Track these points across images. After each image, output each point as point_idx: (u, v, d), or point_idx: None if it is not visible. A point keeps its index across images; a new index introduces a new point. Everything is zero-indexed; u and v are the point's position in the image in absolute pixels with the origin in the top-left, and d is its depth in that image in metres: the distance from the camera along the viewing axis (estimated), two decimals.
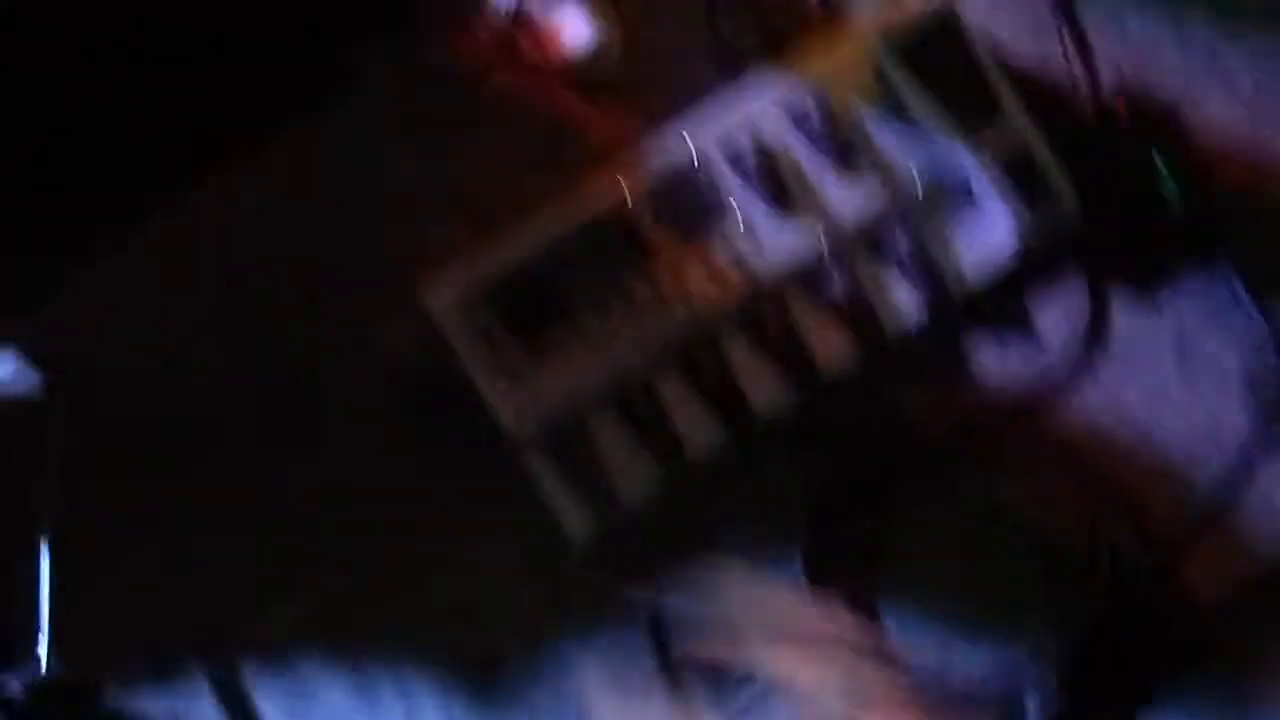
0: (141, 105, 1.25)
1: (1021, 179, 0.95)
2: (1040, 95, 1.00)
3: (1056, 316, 0.97)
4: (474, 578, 0.97)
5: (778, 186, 0.98)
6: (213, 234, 1.11)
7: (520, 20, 1.12)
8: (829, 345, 0.96)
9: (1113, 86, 1.01)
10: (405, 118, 1.13)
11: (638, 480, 0.94)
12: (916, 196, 0.98)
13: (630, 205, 0.99)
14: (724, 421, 0.95)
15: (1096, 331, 0.96)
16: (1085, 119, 1.01)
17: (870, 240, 0.98)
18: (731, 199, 0.99)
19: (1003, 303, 0.99)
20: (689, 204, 0.99)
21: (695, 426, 0.95)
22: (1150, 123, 0.99)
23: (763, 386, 0.96)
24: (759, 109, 1.00)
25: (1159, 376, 0.94)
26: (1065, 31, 1.06)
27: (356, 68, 1.21)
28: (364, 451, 1.03)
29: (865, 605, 0.90)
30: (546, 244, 0.98)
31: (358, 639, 0.99)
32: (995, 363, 0.98)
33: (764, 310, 0.96)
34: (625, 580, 0.95)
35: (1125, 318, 0.97)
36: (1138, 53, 1.04)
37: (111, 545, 1.01)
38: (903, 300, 0.97)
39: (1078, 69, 1.03)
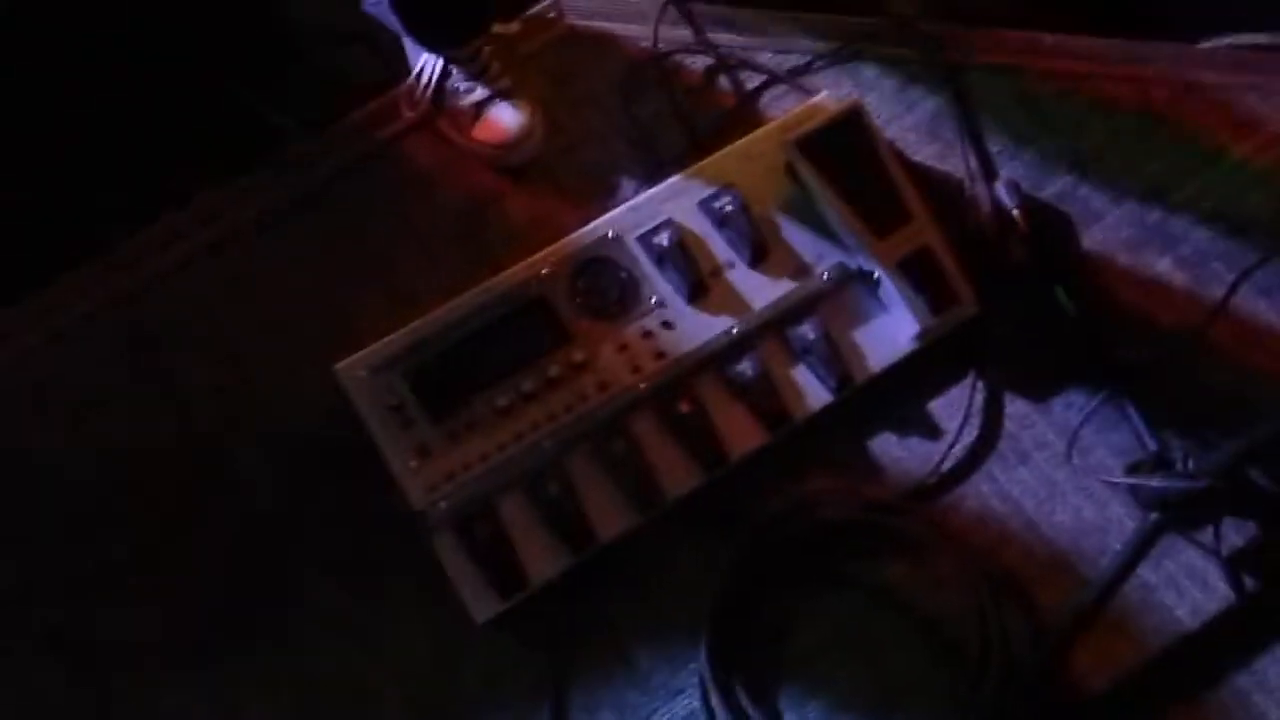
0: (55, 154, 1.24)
1: (923, 278, 1.00)
2: (944, 200, 1.05)
3: (952, 410, 1.01)
4: (371, 649, 0.96)
5: (693, 276, 1.01)
6: (119, 293, 1.09)
7: (443, 98, 1.14)
8: (738, 428, 0.98)
9: (1011, 200, 1.06)
10: (325, 186, 1.14)
11: (546, 562, 0.94)
12: (825, 289, 1.02)
13: (550, 288, 1.00)
14: (635, 503, 0.96)
15: (990, 428, 1.01)
16: (986, 226, 1.06)
17: (780, 328, 1.01)
18: (649, 287, 1.01)
19: (904, 393, 1.02)
20: (608, 289, 1.01)
21: (605, 508, 0.96)
22: (1047, 235, 1.05)
23: (673, 468, 0.97)
24: (679, 205, 1.03)
25: (1048, 472, 0.99)
26: (968, 145, 1.12)
27: (276, 132, 1.21)
28: (267, 520, 1.01)
29: (765, 696, 0.92)
30: (464, 322, 0.99)
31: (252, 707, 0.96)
32: (893, 450, 1.01)
33: (676, 394, 0.98)
34: (527, 657, 0.95)
35: (1017, 416, 1.01)
36: (1035, 173, 1.10)
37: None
38: (809, 386, 1.00)
39: (979, 184, 1.09)
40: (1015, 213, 1.07)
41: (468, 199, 1.12)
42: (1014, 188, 1.08)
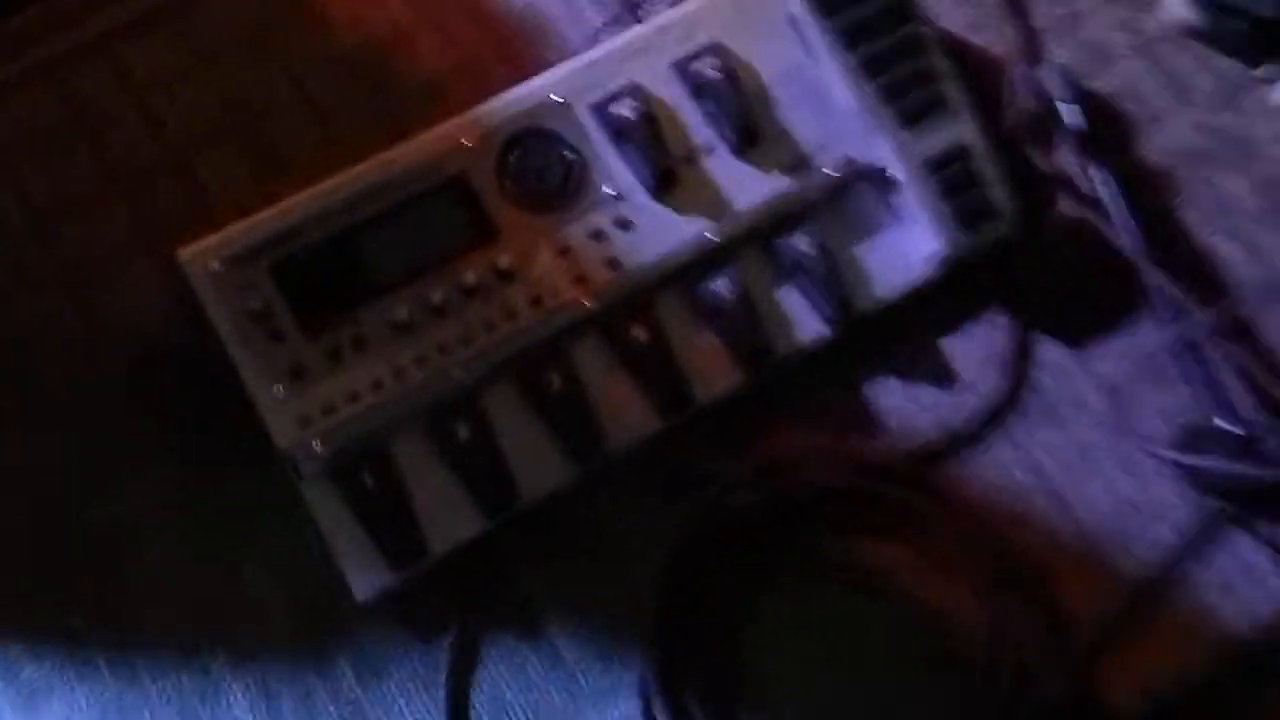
0: None
1: (956, 186, 0.78)
2: (985, 95, 0.82)
3: (971, 355, 0.81)
4: (213, 629, 0.74)
5: (660, 162, 0.77)
6: None
7: None
8: (706, 362, 0.77)
9: (1060, 91, 0.84)
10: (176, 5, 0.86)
11: (452, 525, 0.73)
12: (828, 189, 0.79)
13: (472, 165, 0.76)
14: (569, 455, 0.74)
15: (1017, 378, 0.81)
16: (1025, 123, 0.84)
17: (766, 238, 0.78)
18: (602, 172, 0.78)
19: (912, 330, 0.82)
20: (548, 173, 0.77)
21: (532, 460, 0.74)
22: (1100, 138, 0.83)
23: (622, 411, 0.75)
24: (647, 64, 0.79)
25: (1083, 437, 0.80)
26: (1009, 13, 0.89)
27: None
28: (88, 448, 0.78)
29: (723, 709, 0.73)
30: (354, 204, 0.75)
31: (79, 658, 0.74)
32: (895, 401, 0.81)
33: (631, 315, 0.76)
34: (421, 647, 0.75)
35: (1051, 366, 0.81)
36: (1089, 58, 0.88)
37: None
38: (798, 314, 0.78)
39: (1020, 68, 0.86)
40: (1062, 108, 0.85)
41: (365, 37, 0.86)
42: (1064, 76, 0.86)
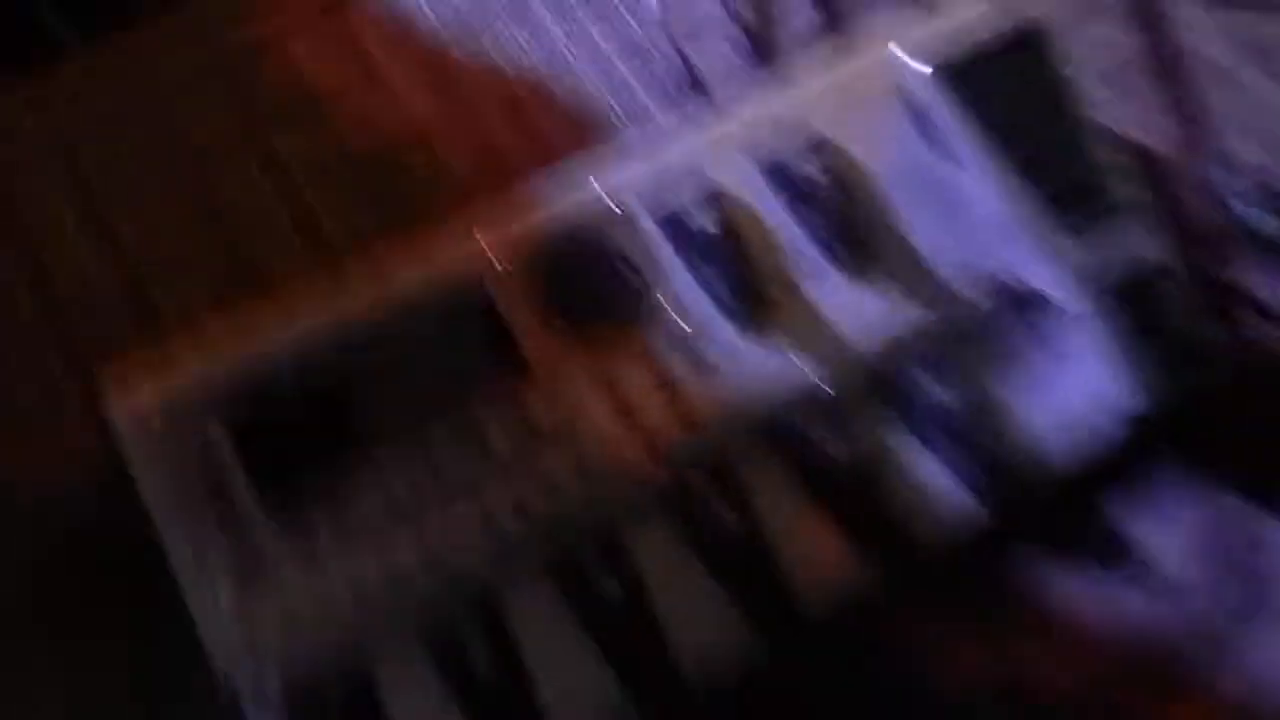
0: None
1: (1143, 316, 0.58)
2: (1165, 196, 0.64)
3: (1175, 534, 0.60)
4: None
5: (739, 277, 0.58)
6: None
7: None
8: (814, 554, 0.56)
9: (1255, 199, 0.65)
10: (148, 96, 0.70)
11: None
12: (971, 321, 0.60)
13: (502, 288, 0.57)
14: (623, 681, 0.53)
15: (1244, 566, 0.59)
16: (1215, 240, 0.65)
17: (892, 385, 0.58)
18: (671, 299, 0.58)
19: (1088, 503, 0.61)
20: (601, 298, 0.58)
21: (572, 689, 0.53)
22: None
23: (695, 624, 0.54)
24: (731, 165, 0.61)
25: None
26: (1185, 122, 0.71)
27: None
28: None
29: None
30: (342, 337, 0.56)
31: None
32: (1073, 597, 0.59)
33: (713, 491, 0.55)
34: None
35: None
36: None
37: None
38: (937, 484, 0.58)
39: (1205, 172, 0.68)
40: (1248, 213, 0.66)
41: (377, 136, 0.69)
42: (1254, 176, 0.67)
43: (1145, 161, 0.67)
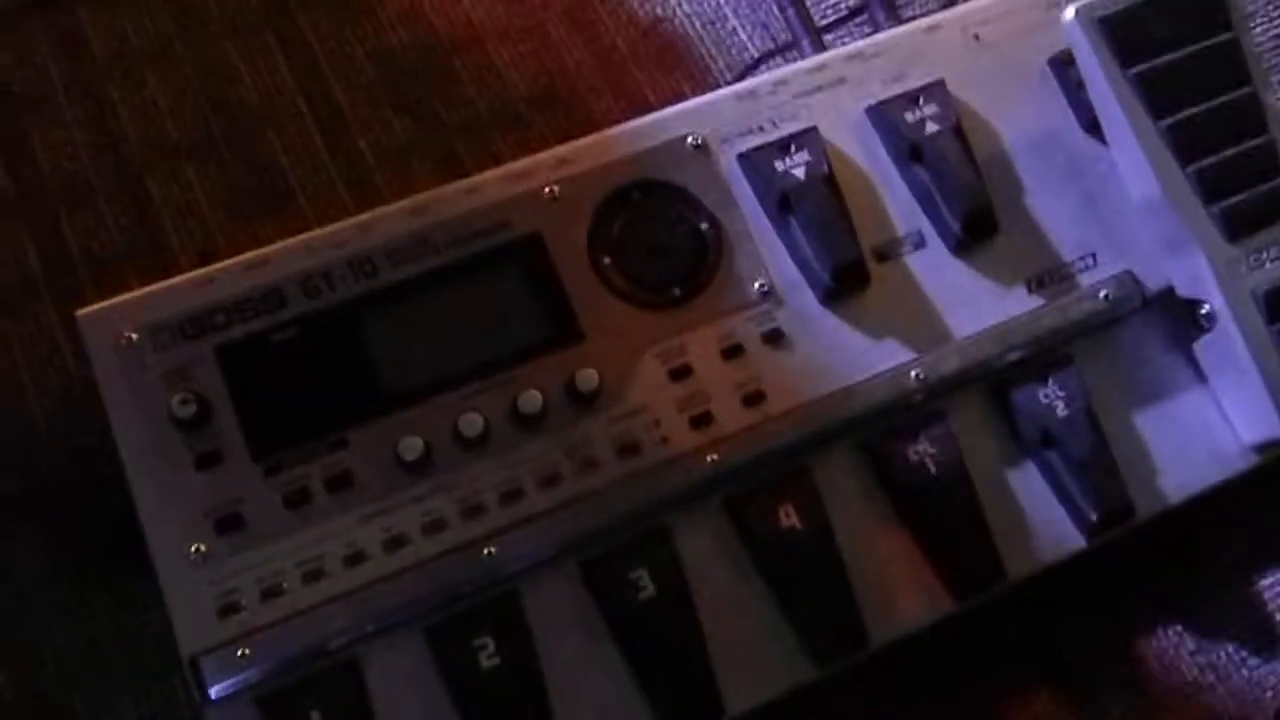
0: None
1: None
2: None
3: None
4: None
5: (842, 250, 0.49)
6: None
7: None
8: (892, 576, 0.47)
9: None
10: None
11: None
12: (1098, 320, 0.51)
13: (553, 226, 0.49)
14: (651, 697, 0.45)
15: None
16: None
17: (997, 385, 0.50)
18: (750, 256, 0.50)
19: (1220, 553, 0.52)
20: (667, 249, 0.50)
21: (590, 700, 0.45)
22: None
23: (741, 639, 0.46)
24: (833, 104, 0.52)
25: None
26: None
27: None
28: None
29: None
30: (367, 266, 0.48)
31: None
32: (1180, 667, 0.50)
33: (776, 489, 0.47)
34: None
35: None
36: None
37: None
38: (1042, 510, 0.49)
39: None
40: None
41: (425, 34, 0.60)
42: None
43: None
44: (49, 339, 0.53)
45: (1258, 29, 0.63)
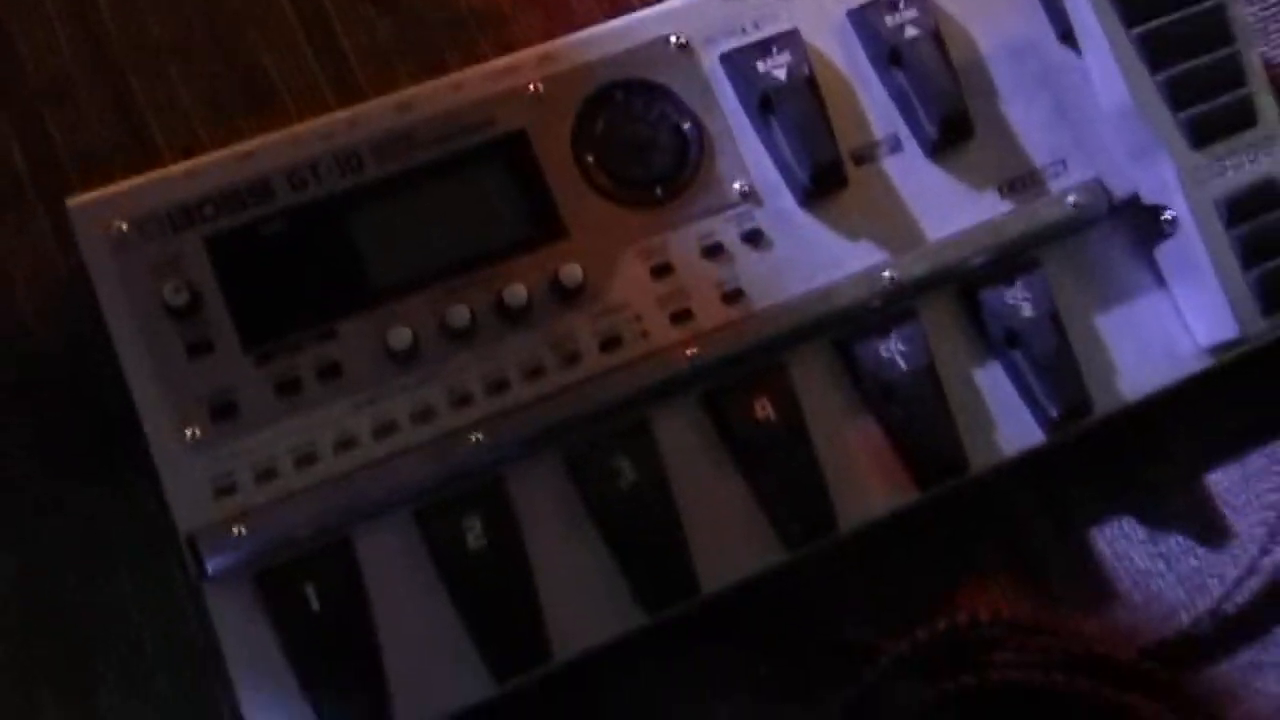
0: None
1: (1264, 242, 0.51)
2: None
3: (1256, 498, 0.54)
4: None
5: (821, 151, 0.50)
6: None
7: None
8: (859, 467, 0.50)
9: None
10: None
11: (440, 683, 0.45)
12: (1066, 224, 0.52)
13: (538, 123, 0.50)
14: (637, 589, 0.47)
15: None
16: None
17: (967, 286, 0.52)
18: (731, 156, 0.51)
19: (1169, 450, 0.55)
20: (649, 147, 0.51)
21: (575, 589, 0.47)
22: None
23: (724, 530, 0.48)
24: (814, 4, 0.53)
25: None
26: None
27: None
28: None
29: None
30: (354, 160, 0.48)
31: None
32: (1132, 557, 0.53)
33: (752, 382, 0.49)
34: None
35: None
36: None
37: None
38: (1004, 407, 0.51)
39: None
40: None
41: None
42: None
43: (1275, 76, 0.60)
44: (37, 231, 0.53)
45: None
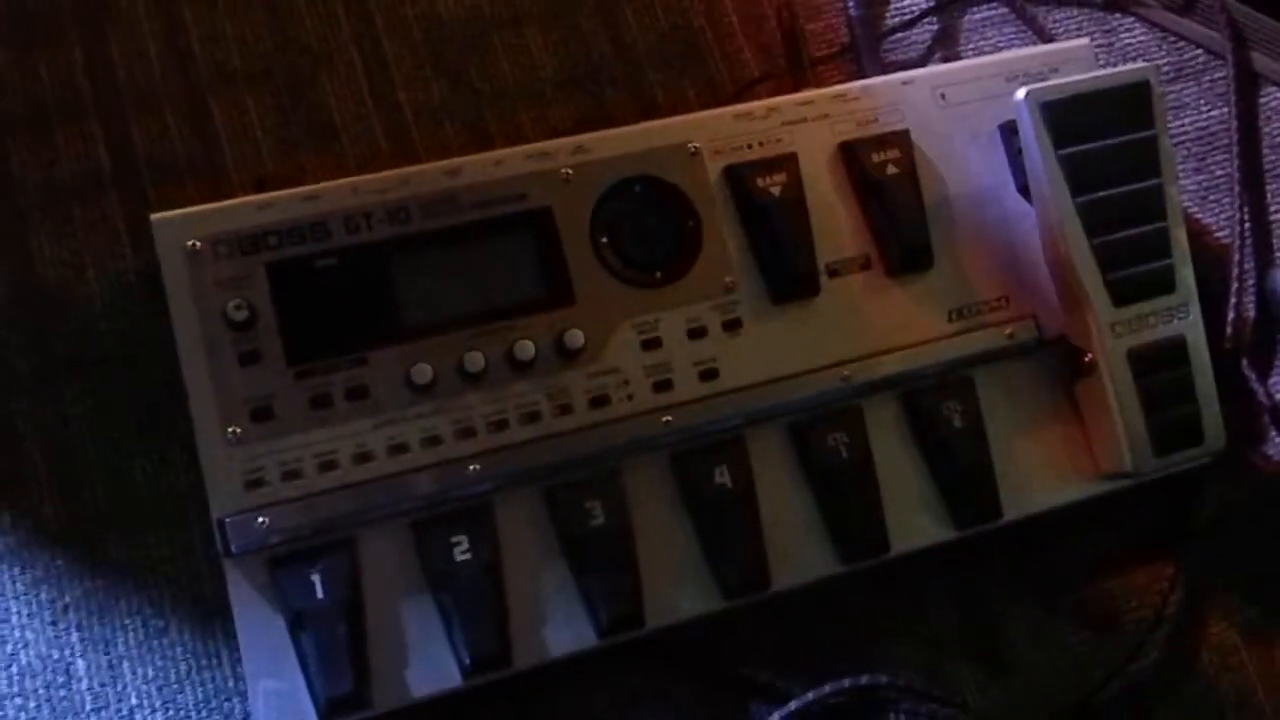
0: None
1: (1163, 394, 0.60)
2: (1202, 287, 0.64)
3: (1133, 603, 0.62)
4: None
5: (800, 261, 0.59)
6: None
7: None
8: (795, 537, 0.58)
9: None
10: None
11: (415, 675, 0.53)
12: (999, 352, 0.61)
13: (563, 202, 0.58)
14: (595, 619, 0.55)
15: (1179, 649, 0.62)
16: (1242, 336, 0.67)
17: (909, 395, 0.60)
18: (722, 253, 0.59)
19: (1063, 556, 0.63)
20: (656, 235, 0.59)
21: (544, 613, 0.55)
22: None
23: (675, 575, 0.56)
24: (813, 137, 0.61)
25: None
26: (1244, 197, 0.71)
27: None
28: None
29: None
30: (404, 214, 0.56)
31: None
32: (1022, 645, 0.61)
33: (717, 451, 0.57)
34: None
35: (1226, 648, 0.62)
36: None
37: None
38: (925, 503, 0.60)
39: (1248, 261, 0.69)
40: None
41: (471, 6, 0.68)
42: None
43: (1197, 246, 0.69)
44: (112, 228, 0.61)
45: (1185, 121, 0.73)
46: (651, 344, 0.57)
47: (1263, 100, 0.74)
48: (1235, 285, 0.68)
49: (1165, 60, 0.74)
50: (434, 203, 0.56)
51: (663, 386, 0.57)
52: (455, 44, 0.67)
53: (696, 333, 0.58)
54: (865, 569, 0.58)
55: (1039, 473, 0.61)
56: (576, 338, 0.56)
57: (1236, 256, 0.69)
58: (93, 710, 0.54)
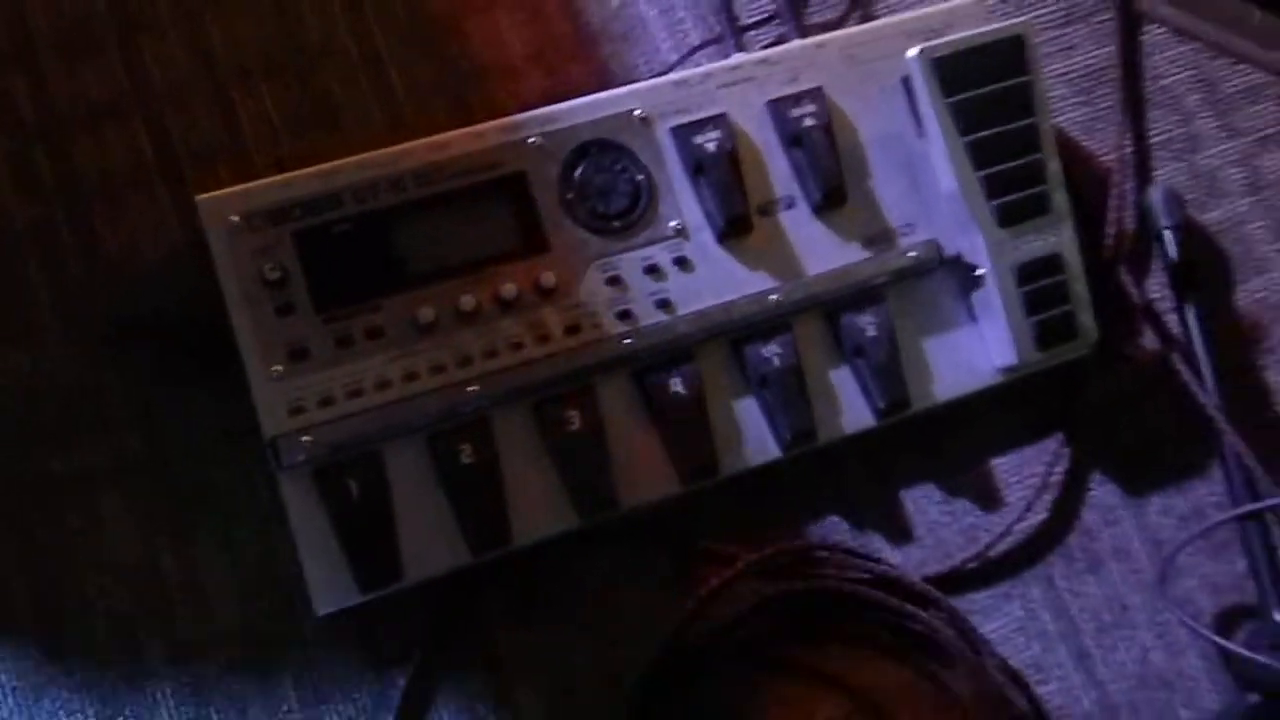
0: None
1: (1042, 298, 0.72)
2: (1085, 204, 0.76)
3: (1021, 479, 0.75)
4: (153, 589, 0.67)
5: (735, 205, 0.70)
6: None
7: None
8: (740, 431, 0.70)
9: (1166, 217, 0.78)
10: None
11: (433, 553, 0.66)
12: (906, 271, 0.73)
13: (534, 167, 0.69)
14: (576, 504, 0.68)
15: (1063, 513, 0.75)
16: (1121, 243, 0.78)
17: (831, 311, 0.72)
18: (670, 202, 0.71)
19: (963, 439, 0.76)
20: (614, 191, 0.70)
21: (534, 501, 0.67)
22: (1205, 276, 0.78)
23: (641, 467, 0.69)
24: (742, 97, 0.72)
25: (1122, 594, 0.74)
26: (1126, 124, 0.83)
27: None
28: (54, 382, 0.70)
29: None
30: (402, 184, 0.68)
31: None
32: (929, 511, 0.74)
33: (670, 364, 0.69)
34: (370, 675, 0.68)
35: (1102, 508, 0.76)
36: (1202, 186, 0.82)
37: None
38: (848, 398, 0.72)
39: (1129, 182, 0.81)
40: (1166, 234, 0.79)
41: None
42: (1173, 201, 0.80)
43: (1080, 168, 0.80)
44: (160, 209, 0.72)
45: (1075, 59, 0.84)
46: (614, 281, 0.69)
47: (1144, 38, 0.85)
48: (1115, 202, 0.80)
49: (1058, 5, 0.85)
50: (427, 173, 0.68)
51: (624, 316, 0.69)
52: (437, 28, 0.78)
53: (651, 269, 0.70)
54: (800, 456, 0.71)
55: (942, 370, 0.73)
56: (550, 279, 0.68)
57: (1118, 178, 0.81)
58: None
